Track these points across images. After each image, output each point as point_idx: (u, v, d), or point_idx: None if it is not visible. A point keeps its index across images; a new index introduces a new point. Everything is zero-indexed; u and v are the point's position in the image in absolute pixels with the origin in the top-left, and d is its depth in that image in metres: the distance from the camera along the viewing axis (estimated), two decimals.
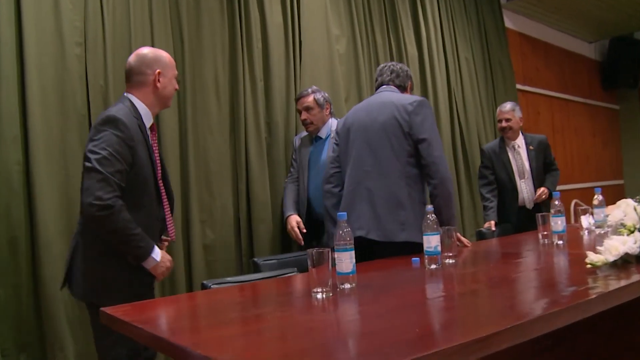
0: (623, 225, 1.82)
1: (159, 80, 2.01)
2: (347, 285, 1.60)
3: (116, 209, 1.82)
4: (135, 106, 1.99)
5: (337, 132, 2.59)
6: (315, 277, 1.52)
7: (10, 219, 2.30)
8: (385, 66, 2.61)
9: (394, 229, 2.32)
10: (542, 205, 3.72)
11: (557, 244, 2.35)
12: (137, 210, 1.90)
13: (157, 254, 1.96)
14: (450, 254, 2.07)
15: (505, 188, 3.85)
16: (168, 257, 2.03)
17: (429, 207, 2.00)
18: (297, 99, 3.10)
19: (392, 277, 1.94)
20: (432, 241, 1.96)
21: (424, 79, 4.36)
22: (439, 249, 1.98)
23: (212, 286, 1.93)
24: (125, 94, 2.02)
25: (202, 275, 2.83)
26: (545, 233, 2.48)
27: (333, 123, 3.03)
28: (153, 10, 2.81)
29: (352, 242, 1.61)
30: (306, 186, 3.02)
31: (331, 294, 1.52)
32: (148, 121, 2.03)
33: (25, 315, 2.32)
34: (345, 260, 1.62)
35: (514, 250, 2.55)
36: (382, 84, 2.57)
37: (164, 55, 2.07)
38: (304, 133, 3.16)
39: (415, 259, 2.09)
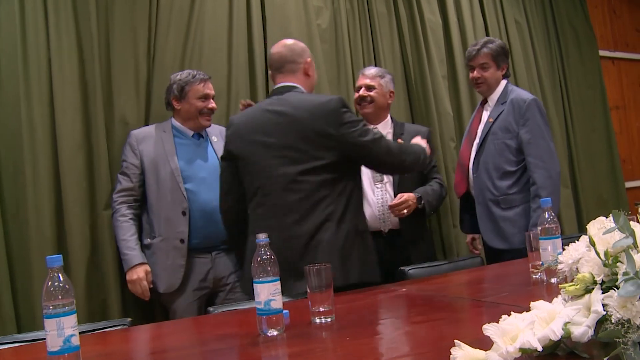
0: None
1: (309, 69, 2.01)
2: None
3: None
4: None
5: None
6: None
7: None
8: None
9: None
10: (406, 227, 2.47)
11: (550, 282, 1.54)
12: None
13: None
14: (323, 309, 1.32)
15: None
16: None
17: (261, 237, 1.26)
18: (205, 80, 2.33)
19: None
20: (262, 292, 1.22)
21: (450, 54, 3.44)
22: (279, 305, 1.24)
23: None
24: (282, 84, 1.95)
25: None
26: (537, 264, 1.64)
27: None
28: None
29: None
30: (186, 197, 2.23)
31: None
32: None
33: None
34: None
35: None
36: None
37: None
38: (153, 126, 2.36)
39: (286, 311, 1.37)
